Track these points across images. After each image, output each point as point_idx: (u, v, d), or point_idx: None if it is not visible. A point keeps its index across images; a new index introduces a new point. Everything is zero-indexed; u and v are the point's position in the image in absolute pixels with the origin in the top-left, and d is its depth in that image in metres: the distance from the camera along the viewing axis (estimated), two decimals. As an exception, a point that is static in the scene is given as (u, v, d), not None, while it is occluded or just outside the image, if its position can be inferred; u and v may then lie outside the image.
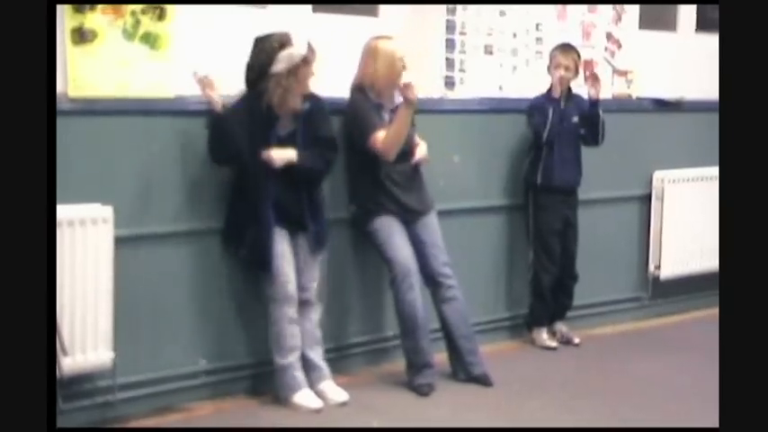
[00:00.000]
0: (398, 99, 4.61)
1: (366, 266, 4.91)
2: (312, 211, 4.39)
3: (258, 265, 4.31)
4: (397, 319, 4.67)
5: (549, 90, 5.34)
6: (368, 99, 4.62)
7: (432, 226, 4.77)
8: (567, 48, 5.36)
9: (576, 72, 5.38)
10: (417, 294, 4.60)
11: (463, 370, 4.77)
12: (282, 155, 4.26)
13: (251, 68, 4.26)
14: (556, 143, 5.30)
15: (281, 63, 4.19)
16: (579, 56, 5.37)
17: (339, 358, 4.77)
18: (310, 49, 4.24)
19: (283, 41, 4.22)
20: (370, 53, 4.61)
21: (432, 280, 4.73)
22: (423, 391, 4.60)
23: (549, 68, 5.35)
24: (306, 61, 4.22)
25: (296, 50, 4.21)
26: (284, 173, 4.27)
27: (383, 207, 4.63)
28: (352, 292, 4.90)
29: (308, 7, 4.82)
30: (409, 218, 4.69)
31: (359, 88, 4.63)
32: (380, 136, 4.54)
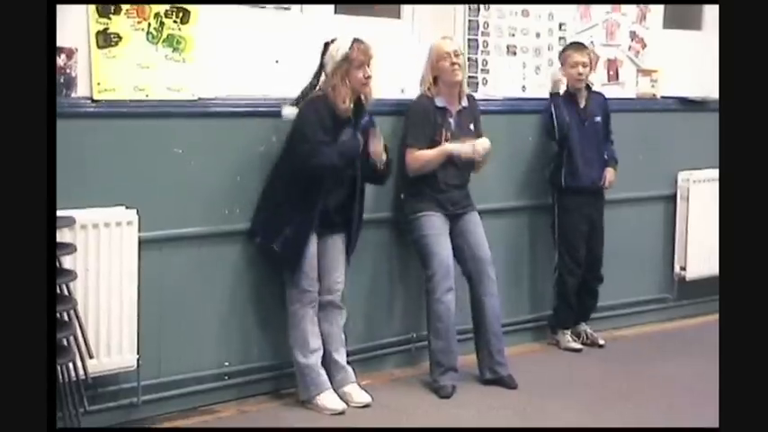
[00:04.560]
0: (464, 102, 4.77)
1: (395, 268, 4.92)
2: (359, 215, 4.43)
3: (289, 264, 4.31)
4: (430, 318, 4.67)
5: (567, 92, 5.31)
6: (431, 102, 4.71)
7: (477, 221, 4.83)
8: (580, 45, 5.35)
9: (592, 68, 5.36)
10: (454, 297, 4.64)
11: (489, 369, 4.76)
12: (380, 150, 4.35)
13: (312, 77, 4.34)
14: (579, 143, 5.27)
15: (327, 64, 4.27)
16: (592, 52, 5.37)
17: (363, 359, 4.76)
18: (356, 48, 4.25)
19: (331, 42, 4.29)
20: (430, 52, 4.75)
21: (478, 271, 4.75)
22: (447, 391, 4.59)
23: (561, 68, 5.33)
24: (348, 59, 4.23)
25: (336, 48, 4.25)
26: (347, 175, 4.32)
27: (431, 202, 4.69)
28: (378, 294, 4.89)
29: (330, 10, 4.82)
30: (454, 214, 4.75)
31: (427, 90, 4.74)
32: (414, 155, 4.65)
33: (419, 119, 4.70)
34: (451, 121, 4.75)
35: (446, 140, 4.71)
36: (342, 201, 4.38)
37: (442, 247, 4.68)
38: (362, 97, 4.35)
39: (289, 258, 4.30)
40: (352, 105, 4.30)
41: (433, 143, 4.70)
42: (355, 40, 4.28)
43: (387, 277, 4.93)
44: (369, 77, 4.30)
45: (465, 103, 4.81)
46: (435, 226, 4.70)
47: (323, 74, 4.33)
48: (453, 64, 4.69)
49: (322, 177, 4.25)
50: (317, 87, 4.34)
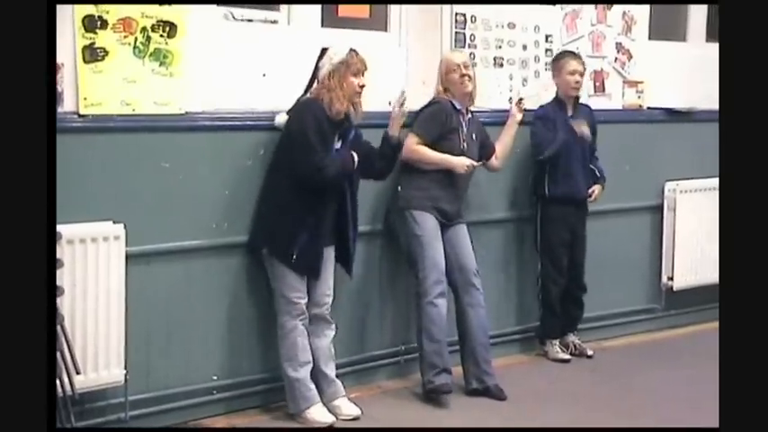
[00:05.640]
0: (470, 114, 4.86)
1: (383, 281, 4.91)
2: (353, 227, 4.43)
3: (309, 271, 4.29)
4: (422, 321, 4.65)
5: (556, 99, 5.33)
6: (449, 103, 4.75)
7: (465, 232, 4.84)
8: (575, 54, 5.39)
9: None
10: (446, 302, 4.65)
11: (476, 378, 4.75)
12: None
13: (309, 83, 4.34)
14: (564, 152, 5.28)
15: (324, 67, 4.28)
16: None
17: (352, 372, 4.76)
18: (354, 55, 4.28)
19: (328, 48, 4.31)
20: (440, 64, 4.86)
21: (463, 282, 4.75)
22: (444, 389, 4.59)
23: (555, 76, 5.34)
24: (345, 64, 4.25)
25: (334, 52, 4.27)
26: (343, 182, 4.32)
27: (429, 202, 4.69)
28: (367, 307, 4.89)
29: (317, 23, 4.83)
30: (446, 221, 4.75)
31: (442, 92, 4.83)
32: (415, 147, 4.67)
33: (437, 117, 4.72)
34: (464, 125, 4.78)
35: (464, 141, 4.74)
36: (332, 212, 4.36)
37: (436, 251, 4.67)
38: (352, 109, 4.34)
39: (308, 265, 4.28)
40: (347, 108, 4.28)
41: (447, 141, 4.71)
42: (352, 50, 4.32)
43: (376, 290, 4.92)
44: (363, 86, 4.31)
45: (470, 115, 4.87)
46: (429, 227, 4.69)
47: (316, 80, 4.32)
48: (463, 75, 4.75)
49: (325, 186, 4.26)
50: (309, 93, 4.34)
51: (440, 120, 4.72)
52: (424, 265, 4.64)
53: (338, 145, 4.34)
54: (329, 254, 4.40)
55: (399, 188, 4.76)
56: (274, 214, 4.29)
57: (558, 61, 5.35)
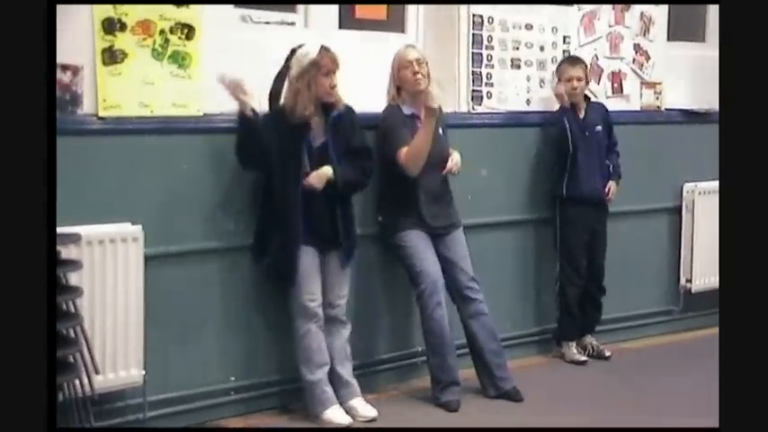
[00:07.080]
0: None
1: (394, 283, 4.90)
2: (345, 226, 4.39)
3: (281, 277, 4.29)
4: (424, 335, 4.65)
5: (561, 107, 5.33)
6: (399, 111, 4.62)
7: (459, 241, 4.74)
8: (574, 59, 5.38)
9: (587, 81, 5.37)
10: (444, 311, 4.59)
11: (493, 386, 4.74)
12: (320, 176, 4.24)
13: (275, 80, 4.29)
14: (580, 153, 5.28)
15: (293, 68, 4.23)
16: (587, 65, 5.39)
17: (367, 375, 4.76)
18: (325, 55, 4.21)
19: (298, 48, 4.26)
20: (393, 61, 4.64)
21: (458, 295, 4.71)
22: (450, 407, 4.57)
23: (556, 83, 5.33)
24: (316, 65, 4.19)
25: (304, 53, 4.21)
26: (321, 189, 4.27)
27: (410, 220, 4.62)
28: (381, 309, 4.89)
29: (335, 24, 4.84)
30: (436, 232, 4.68)
31: (392, 100, 4.66)
32: (406, 151, 4.51)
33: (395, 123, 4.57)
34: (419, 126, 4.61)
35: None
36: (329, 212, 4.33)
37: (428, 263, 4.59)
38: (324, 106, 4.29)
39: (281, 272, 4.28)
40: (314, 111, 4.22)
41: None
42: (324, 48, 4.24)
43: (390, 290, 4.91)
44: (334, 86, 4.24)
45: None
46: (417, 242, 4.61)
47: (287, 80, 4.26)
48: (416, 73, 4.55)
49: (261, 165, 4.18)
50: (282, 95, 4.28)
51: (398, 122, 4.57)
52: (417, 280, 4.60)
53: (321, 137, 4.26)
54: (333, 257, 4.37)
55: (380, 218, 4.71)
56: (259, 221, 4.33)
57: (558, 69, 5.37)
